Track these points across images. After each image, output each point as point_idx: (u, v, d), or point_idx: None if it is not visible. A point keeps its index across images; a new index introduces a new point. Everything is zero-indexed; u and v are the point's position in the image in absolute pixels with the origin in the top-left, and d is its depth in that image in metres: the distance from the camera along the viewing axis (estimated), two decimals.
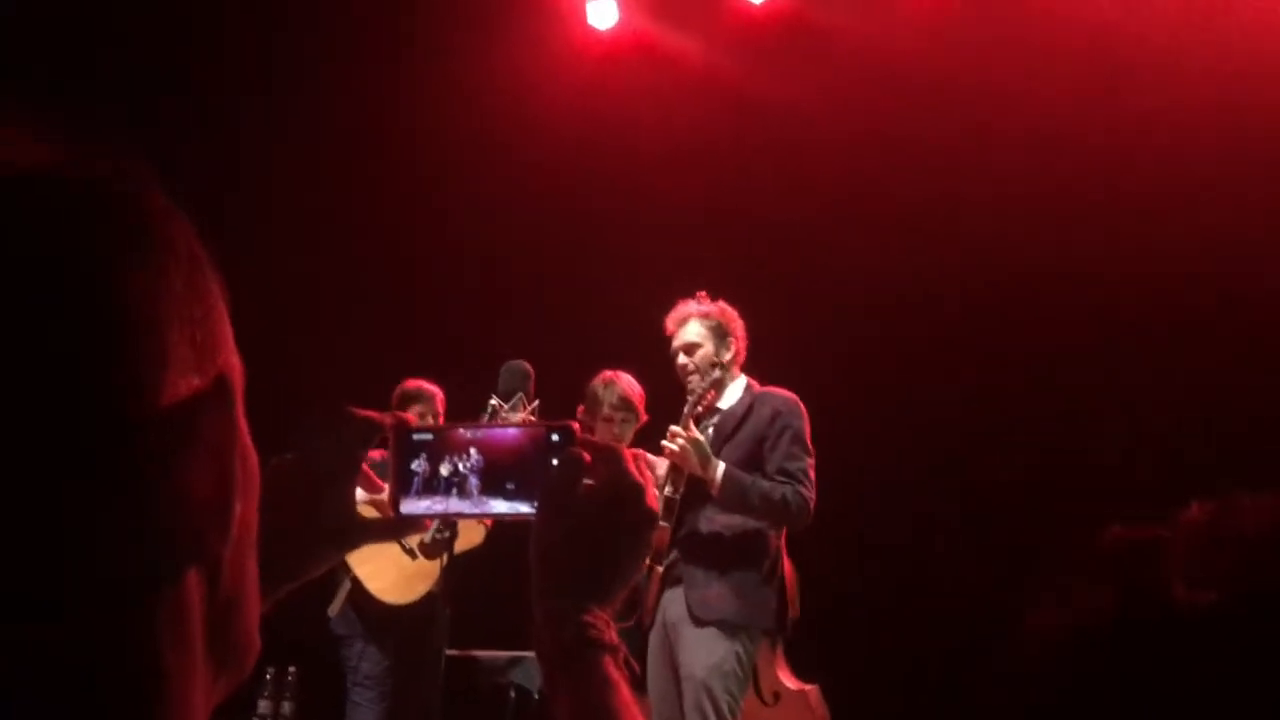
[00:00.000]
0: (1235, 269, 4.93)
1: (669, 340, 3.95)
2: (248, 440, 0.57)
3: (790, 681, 4.41)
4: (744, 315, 4.01)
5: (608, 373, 4.12)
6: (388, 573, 4.43)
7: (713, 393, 3.77)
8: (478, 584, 4.02)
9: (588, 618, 0.85)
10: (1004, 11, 5.42)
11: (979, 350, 5.28)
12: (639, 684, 3.83)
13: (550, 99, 5.72)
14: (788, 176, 5.64)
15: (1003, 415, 5.20)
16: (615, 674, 0.83)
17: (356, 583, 4.44)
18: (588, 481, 0.91)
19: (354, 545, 0.97)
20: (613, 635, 0.86)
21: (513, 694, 4.68)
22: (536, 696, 4.47)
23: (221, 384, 0.53)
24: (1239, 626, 0.47)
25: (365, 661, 4.52)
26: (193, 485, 0.50)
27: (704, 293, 3.99)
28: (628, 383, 4.10)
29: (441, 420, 4.64)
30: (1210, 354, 4.89)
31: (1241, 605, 0.48)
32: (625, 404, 4.06)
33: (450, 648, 4.25)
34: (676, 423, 3.69)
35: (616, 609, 0.90)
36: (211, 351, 0.53)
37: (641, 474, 0.92)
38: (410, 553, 4.41)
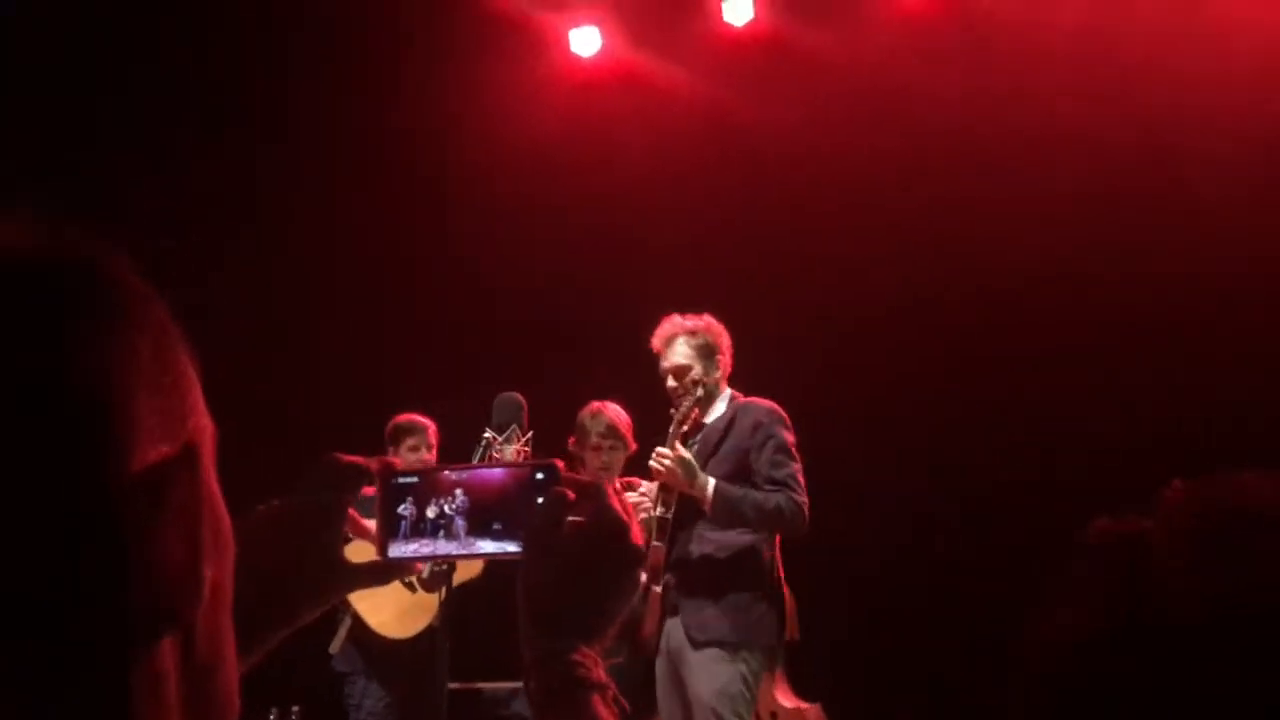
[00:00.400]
0: (1230, 268, 4.96)
1: (657, 357, 3.95)
2: (219, 503, 0.57)
3: (788, 700, 4.36)
4: (735, 329, 4.01)
5: (595, 404, 4.19)
6: (387, 607, 4.41)
7: (697, 411, 3.77)
8: (478, 616, 4.01)
9: (575, 656, 0.86)
10: (984, 24, 5.46)
11: (972, 354, 5.31)
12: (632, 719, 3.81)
13: (534, 126, 5.75)
14: (774, 194, 5.68)
15: (996, 419, 5.21)
16: (604, 712, 0.83)
17: (357, 619, 4.43)
18: (573, 519, 0.91)
19: (343, 591, 0.97)
20: (600, 673, 0.86)
21: None
22: None
23: (189, 452, 0.54)
24: (1238, 628, 0.45)
25: (368, 699, 4.51)
26: (163, 552, 0.51)
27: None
28: (615, 412, 4.16)
29: (435, 451, 4.65)
30: (1208, 352, 4.92)
31: (1235, 601, 0.46)
32: (612, 433, 4.13)
33: (452, 680, 4.23)
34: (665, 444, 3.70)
35: (606, 646, 0.90)
36: (180, 419, 0.54)
37: (626, 510, 0.92)
38: (409, 586, 4.40)
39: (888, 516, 5.13)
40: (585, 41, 5.89)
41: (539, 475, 0.97)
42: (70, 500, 0.49)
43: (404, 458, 4.59)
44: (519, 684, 4.60)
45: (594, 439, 4.11)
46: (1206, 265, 4.96)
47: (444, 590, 3.69)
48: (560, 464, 0.97)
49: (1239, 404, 4.78)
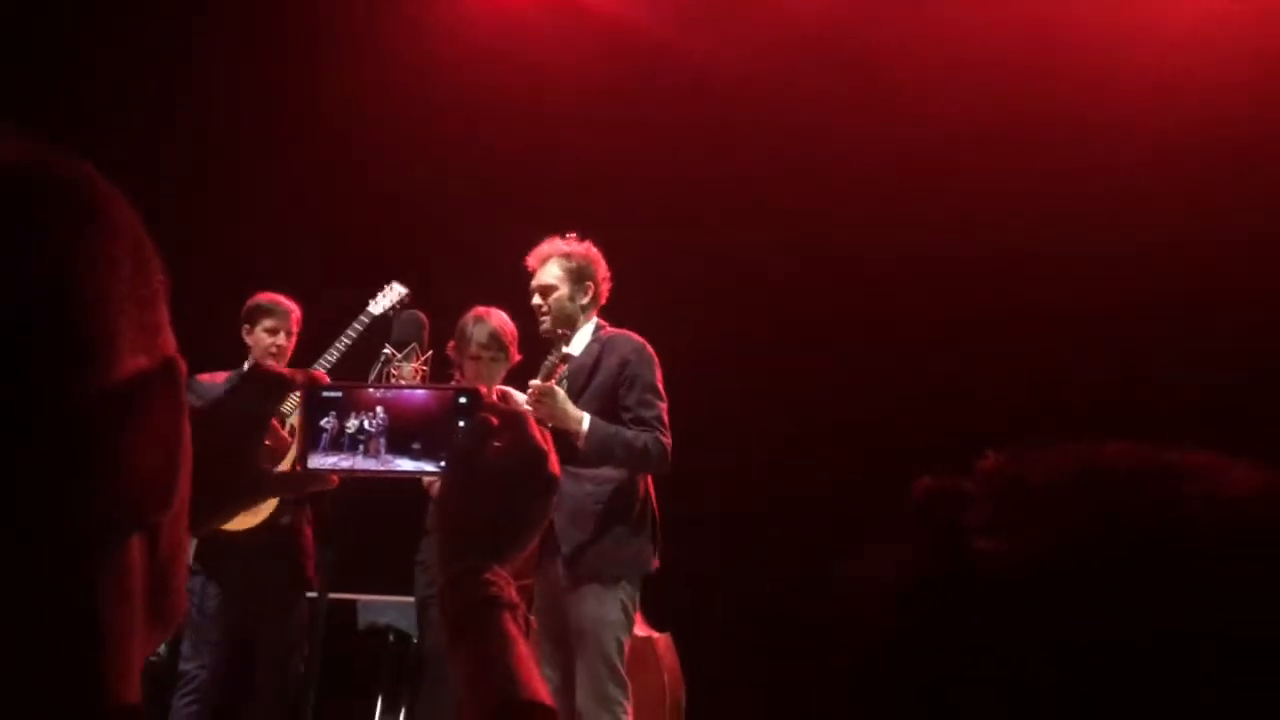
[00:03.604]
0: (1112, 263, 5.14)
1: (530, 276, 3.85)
2: (187, 417, 0.59)
3: (640, 629, 4.42)
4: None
5: (480, 309, 4.06)
6: None
7: (562, 366, 3.70)
8: (357, 529, 4.00)
9: (489, 576, 0.89)
10: None
11: (861, 305, 5.40)
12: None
13: (455, 46, 5.65)
14: (696, 126, 5.63)
15: (860, 376, 5.32)
16: (514, 630, 0.87)
17: None
18: (495, 444, 0.94)
19: (261, 498, 0.98)
20: (513, 593, 0.90)
21: (391, 637, 4.70)
22: (414, 640, 4.48)
23: (169, 365, 0.56)
24: (1026, 580, 0.51)
25: (209, 601, 4.33)
26: (139, 458, 0.54)
27: (574, 235, 3.89)
28: (499, 320, 4.04)
29: (294, 339, 4.44)
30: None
31: (1029, 558, 0.51)
32: (495, 341, 4.01)
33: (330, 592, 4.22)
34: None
35: (516, 568, 0.94)
36: (155, 332, 0.56)
37: (545, 440, 0.95)
38: None
39: (743, 452, 5.24)
40: None
41: (462, 400, 0.99)
42: (46, 404, 0.50)
43: (258, 339, 4.35)
44: (395, 597, 4.63)
45: (474, 348, 4.00)
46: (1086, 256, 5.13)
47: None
48: (483, 390, 1.00)
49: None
